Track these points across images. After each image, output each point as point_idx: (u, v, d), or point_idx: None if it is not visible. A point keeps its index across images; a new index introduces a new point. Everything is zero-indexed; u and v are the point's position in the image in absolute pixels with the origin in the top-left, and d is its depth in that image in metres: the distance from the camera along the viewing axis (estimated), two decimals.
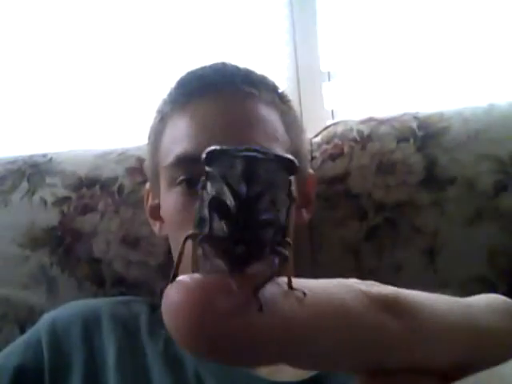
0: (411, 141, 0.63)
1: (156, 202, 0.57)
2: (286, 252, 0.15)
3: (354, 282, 0.16)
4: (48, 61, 0.96)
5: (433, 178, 0.61)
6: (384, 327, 0.16)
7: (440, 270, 0.59)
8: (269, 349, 0.14)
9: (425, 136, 0.63)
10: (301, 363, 0.15)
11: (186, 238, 0.16)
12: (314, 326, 0.15)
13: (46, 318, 0.54)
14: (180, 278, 0.15)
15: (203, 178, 0.16)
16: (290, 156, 0.15)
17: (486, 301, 0.19)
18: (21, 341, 0.52)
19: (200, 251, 0.16)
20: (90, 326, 0.52)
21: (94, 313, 0.54)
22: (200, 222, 0.16)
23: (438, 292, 0.18)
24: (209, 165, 0.15)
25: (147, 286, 0.63)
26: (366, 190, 0.62)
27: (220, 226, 0.15)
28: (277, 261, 0.15)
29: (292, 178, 0.15)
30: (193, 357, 0.46)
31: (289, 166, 0.15)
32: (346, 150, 0.64)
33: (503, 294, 0.19)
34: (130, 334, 0.52)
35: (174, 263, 0.16)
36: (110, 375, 0.48)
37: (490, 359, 0.17)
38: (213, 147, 0.15)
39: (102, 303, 0.56)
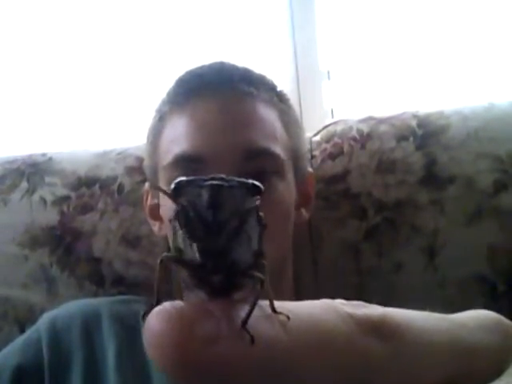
0: (411, 139, 0.63)
1: (155, 201, 0.56)
2: (261, 275, 0.15)
3: (339, 303, 0.16)
4: (48, 60, 0.96)
5: (432, 177, 0.61)
6: (370, 351, 0.15)
7: (440, 268, 0.59)
8: (253, 375, 0.14)
9: (424, 134, 0.63)
10: None
11: (160, 262, 0.16)
12: (299, 352, 0.14)
13: (45, 318, 0.54)
14: (161, 306, 0.14)
15: (175, 210, 0.16)
16: (254, 181, 0.15)
17: (476, 318, 0.19)
18: (20, 340, 0.52)
19: (183, 285, 0.16)
20: (89, 326, 0.52)
21: (94, 312, 0.54)
22: (176, 251, 0.16)
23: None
24: (178, 196, 0.15)
25: (147, 286, 0.63)
26: (365, 188, 0.62)
27: (193, 254, 0.15)
28: (258, 287, 0.15)
29: (258, 202, 0.16)
30: None
31: (254, 191, 0.15)
32: (345, 148, 0.64)
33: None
34: (129, 333, 0.52)
35: (155, 291, 0.16)
36: (110, 374, 0.48)
37: (478, 377, 0.17)
38: (180, 179, 0.15)
39: (101, 302, 0.56)
